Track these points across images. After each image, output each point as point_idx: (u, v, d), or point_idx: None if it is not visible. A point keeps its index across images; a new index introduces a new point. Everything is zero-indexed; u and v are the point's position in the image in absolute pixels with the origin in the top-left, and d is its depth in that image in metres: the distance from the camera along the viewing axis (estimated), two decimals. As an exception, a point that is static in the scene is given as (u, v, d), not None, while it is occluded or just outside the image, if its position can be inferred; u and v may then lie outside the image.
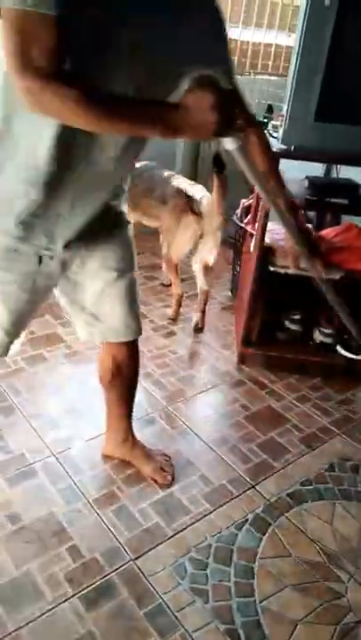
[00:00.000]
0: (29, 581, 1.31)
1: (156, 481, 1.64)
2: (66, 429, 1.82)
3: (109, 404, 1.65)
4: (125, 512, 1.53)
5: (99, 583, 1.32)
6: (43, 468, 1.65)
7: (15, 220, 1.11)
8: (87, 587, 1.31)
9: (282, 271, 2.05)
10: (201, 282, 2.49)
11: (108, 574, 1.35)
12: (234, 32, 3.68)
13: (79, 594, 1.30)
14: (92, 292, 1.37)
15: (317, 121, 1.76)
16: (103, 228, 1.26)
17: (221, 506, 1.58)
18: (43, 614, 1.24)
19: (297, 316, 2.31)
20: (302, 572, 1.41)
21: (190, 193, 2.34)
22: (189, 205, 2.30)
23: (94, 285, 1.36)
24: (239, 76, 3.62)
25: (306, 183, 2.15)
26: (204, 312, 2.52)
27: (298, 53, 1.70)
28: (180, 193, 2.35)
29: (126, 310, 1.42)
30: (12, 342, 1.35)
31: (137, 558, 1.40)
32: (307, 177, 2.17)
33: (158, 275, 3.01)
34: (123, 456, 1.70)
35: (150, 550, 1.42)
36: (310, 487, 1.68)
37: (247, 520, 1.54)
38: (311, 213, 2.42)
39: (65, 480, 1.61)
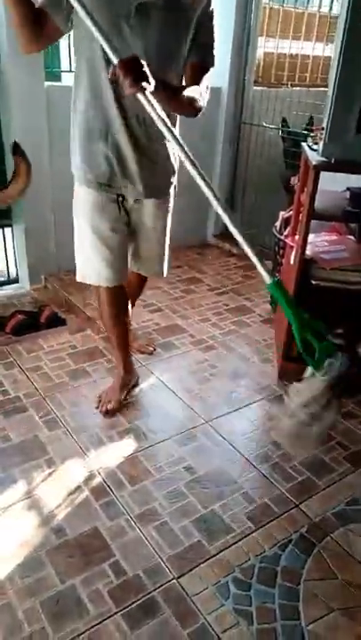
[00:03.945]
0: (74, 596, 1.33)
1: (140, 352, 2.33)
2: (108, 444, 1.84)
3: None
4: (167, 529, 1.52)
5: (142, 601, 1.32)
6: (86, 482, 1.67)
7: (101, 173, 1.64)
8: (130, 604, 1.31)
9: (322, 284, 2.01)
10: None
11: (151, 592, 1.34)
12: (270, 45, 3.69)
13: (122, 611, 1.30)
14: (143, 238, 1.87)
15: (359, 133, 1.73)
16: (160, 190, 1.75)
17: (265, 525, 1.55)
18: (87, 630, 1.25)
19: (340, 330, 2.26)
20: (350, 595, 1.37)
21: None
22: None
23: (143, 233, 1.85)
24: (277, 89, 3.61)
25: (347, 194, 2.11)
26: None
27: (338, 65, 1.68)
28: None
29: (159, 256, 1.92)
30: (121, 277, 1.85)
31: (180, 577, 1.39)
32: (348, 188, 2.13)
33: (197, 288, 3.02)
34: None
35: (193, 569, 1.41)
36: (356, 507, 1.63)
37: (291, 540, 1.50)
38: (353, 225, 2.37)
39: (108, 495, 1.62)
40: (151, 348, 2.40)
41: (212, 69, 1.62)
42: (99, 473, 1.70)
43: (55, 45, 2.94)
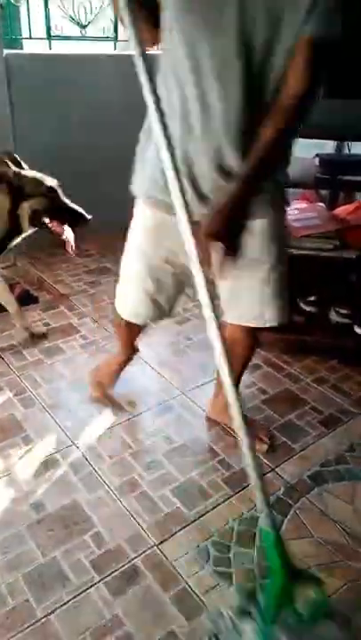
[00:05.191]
0: (56, 568, 1.34)
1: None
2: (85, 419, 1.84)
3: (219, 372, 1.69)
4: (147, 498, 1.54)
5: (124, 569, 1.35)
6: (64, 457, 1.67)
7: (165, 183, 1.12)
8: (112, 572, 1.34)
9: (294, 252, 2.02)
10: None
11: (133, 560, 1.37)
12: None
13: (105, 579, 1.32)
14: (232, 276, 1.35)
15: (326, 97, 1.71)
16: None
17: (242, 489, 1.58)
18: (70, 600, 1.27)
19: (312, 298, 2.29)
20: (325, 552, 1.42)
21: None
22: None
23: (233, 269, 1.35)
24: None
25: (317, 161, 2.11)
26: None
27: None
28: None
29: (260, 300, 1.46)
30: (160, 316, 1.55)
31: (160, 543, 1.41)
32: (317, 155, 2.13)
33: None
34: (224, 421, 1.80)
35: (173, 535, 1.44)
36: (331, 468, 1.68)
37: (268, 503, 1.54)
38: (323, 192, 2.37)
39: (86, 468, 1.63)
40: (265, 447, 1.74)
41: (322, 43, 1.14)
42: (77, 447, 1.71)
43: (15, 11, 2.83)
